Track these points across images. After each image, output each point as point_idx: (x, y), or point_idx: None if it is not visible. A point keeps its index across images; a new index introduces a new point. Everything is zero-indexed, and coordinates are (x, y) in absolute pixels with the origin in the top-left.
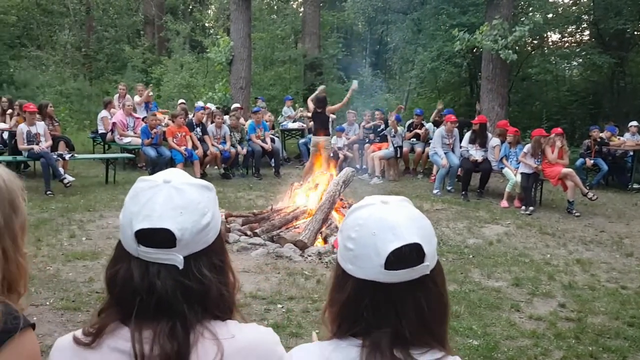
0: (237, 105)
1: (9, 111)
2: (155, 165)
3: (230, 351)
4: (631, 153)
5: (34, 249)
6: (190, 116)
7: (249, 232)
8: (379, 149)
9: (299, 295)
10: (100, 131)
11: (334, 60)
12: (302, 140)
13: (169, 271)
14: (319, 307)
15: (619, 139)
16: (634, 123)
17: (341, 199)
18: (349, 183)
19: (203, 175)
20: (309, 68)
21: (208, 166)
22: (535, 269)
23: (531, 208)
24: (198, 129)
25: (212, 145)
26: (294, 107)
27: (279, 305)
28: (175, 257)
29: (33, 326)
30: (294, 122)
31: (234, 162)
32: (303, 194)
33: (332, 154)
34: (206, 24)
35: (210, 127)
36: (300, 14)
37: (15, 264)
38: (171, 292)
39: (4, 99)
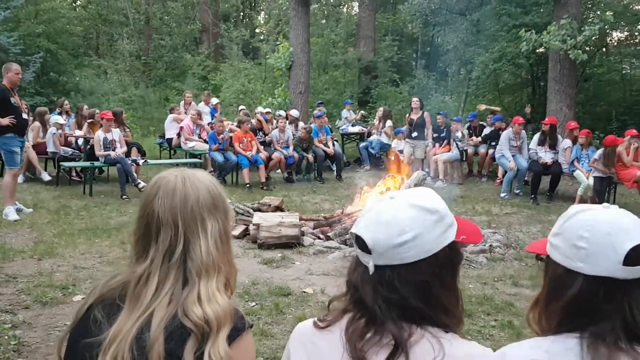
0: (296, 111)
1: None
2: (222, 170)
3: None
4: None
5: (120, 251)
6: (253, 122)
7: (321, 236)
8: (443, 151)
9: None
10: (167, 136)
11: (388, 63)
12: (362, 144)
13: (367, 272)
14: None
15: None
16: None
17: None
18: (420, 186)
19: (267, 179)
20: (364, 71)
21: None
22: None
23: None
24: (260, 134)
25: (276, 149)
26: (353, 111)
27: None
28: (368, 262)
29: (251, 326)
30: (353, 125)
31: (298, 167)
32: (373, 197)
33: (392, 157)
34: (257, 30)
35: (275, 132)
36: (355, 17)
37: (231, 263)
38: (369, 292)
39: (85, 107)
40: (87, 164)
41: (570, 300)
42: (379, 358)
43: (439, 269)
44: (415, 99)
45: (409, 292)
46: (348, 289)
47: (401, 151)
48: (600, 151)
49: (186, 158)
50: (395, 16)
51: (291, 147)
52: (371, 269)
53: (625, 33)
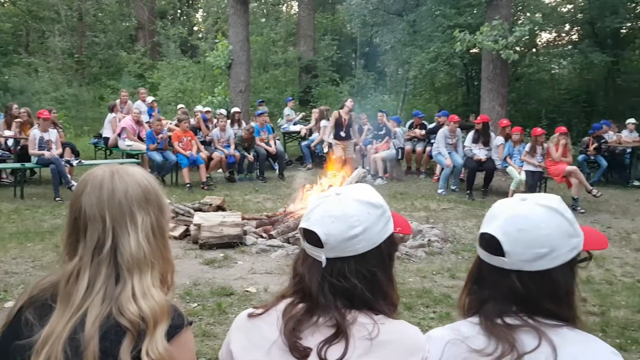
0: (236, 109)
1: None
2: (161, 170)
3: (383, 338)
4: (629, 150)
5: (54, 255)
6: (192, 121)
7: (264, 235)
8: (383, 149)
9: None
10: (104, 135)
11: (328, 62)
12: (304, 143)
13: (318, 265)
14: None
15: (616, 135)
16: (632, 120)
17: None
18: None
19: (208, 179)
20: (304, 71)
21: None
22: None
23: None
24: (200, 133)
25: (217, 149)
26: (295, 110)
27: None
28: (321, 255)
29: (191, 324)
30: (294, 124)
31: (239, 166)
32: (315, 195)
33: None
34: (195, 28)
35: (215, 131)
36: (295, 16)
37: (167, 259)
38: (315, 281)
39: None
40: (18, 165)
41: (474, 283)
42: (314, 339)
43: (382, 259)
44: (351, 100)
45: (357, 281)
46: (293, 278)
47: None
48: (529, 144)
49: (123, 158)
50: (334, 16)
51: (232, 146)
52: (324, 262)
53: (554, 34)
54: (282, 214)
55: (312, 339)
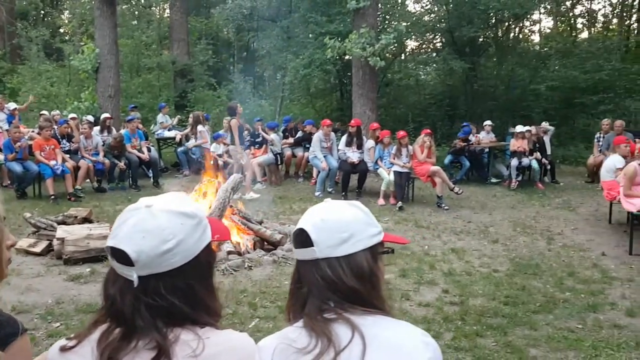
0: (107, 115)
1: None
2: (22, 182)
3: (209, 352)
4: (487, 150)
5: None
6: (56, 128)
7: None
8: (259, 155)
9: None
10: None
11: (204, 67)
12: (180, 149)
13: (130, 285)
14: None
15: (476, 137)
16: (488, 122)
17: (231, 206)
18: (237, 189)
19: (78, 190)
20: (179, 75)
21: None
22: (417, 259)
23: (400, 203)
24: (65, 141)
25: (84, 157)
26: (170, 115)
27: None
28: (132, 274)
29: (26, 331)
30: (169, 130)
31: (109, 175)
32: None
33: (212, 162)
34: (62, 30)
35: (81, 139)
36: (167, 20)
37: None
38: (128, 302)
39: None
40: None
41: (295, 286)
42: None
43: (201, 270)
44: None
45: (175, 297)
46: (105, 301)
47: (220, 155)
48: (395, 147)
49: None
50: (209, 20)
51: (101, 154)
52: (135, 281)
53: (420, 42)
54: None
55: None
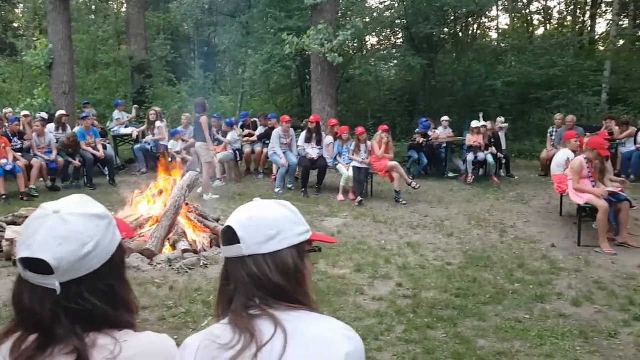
0: (62, 112)
1: None
2: None
3: (127, 354)
4: (444, 145)
5: None
6: (7, 125)
7: None
8: (218, 151)
9: (152, 304)
10: None
11: (163, 62)
12: (137, 146)
13: (51, 294)
14: (175, 314)
15: (434, 132)
16: (446, 118)
17: (187, 204)
18: (193, 187)
19: (31, 189)
20: (137, 70)
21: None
22: (373, 254)
23: (359, 198)
24: (16, 140)
25: (37, 155)
26: (127, 111)
27: None
28: (54, 283)
29: None
30: (125, 127)
31: (63, 173)
32: (146, 201)
33: (170, 159)
34: (15, 25)
35: (33, 137)
36: (124, 14)
37: None
38: (47, 311)
39: None
40: None
41: (223, 283)
42: None
43: (117, 270)
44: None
45: (97, 299)
46: (18, 314)
47: (178, 152)
48: (354, 143)
49: None
50: (168, 15)
51: (55, 152)
52: (58, 289)
53: (380, 38)
54: None
55: None
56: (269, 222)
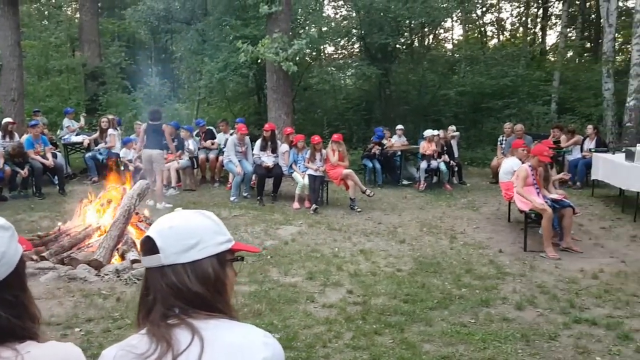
0: (9, 119)
1: None
2: None
3: None
4: (399, 153)
5: None
6: None
7: (35, 257)
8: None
9: (98, 316)
10: None
11: (117, 69)
12: (88, 154)
13: None
14: (120, 326)
15: (389, 140)
16: (400, 127)
17: (137, 213)
18: (144, 196)
19: None
20: (90, 77)
21: None
22: (325, 262)
23: (314, 206)
24: None
25: None
26: (76, 119)
27: (77, 329)
28: None
29: None
30: (76, 135)
31: (10, 182)
32: (94, 211)
33: (122, 167)
34: None
35: None
36: (77, 20)
37: None
38: None
39: None
40: None
41: (143, 294)
42: None
43: (20, 280)
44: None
45: (3, 310)
46: None
47: (130, 160)
48: (309, 151)
49: None
50: (122, 21)
51: (1, 161)
52: None
53: (338, 47)
54: (56, 232)
55: None
56: (188, 232)
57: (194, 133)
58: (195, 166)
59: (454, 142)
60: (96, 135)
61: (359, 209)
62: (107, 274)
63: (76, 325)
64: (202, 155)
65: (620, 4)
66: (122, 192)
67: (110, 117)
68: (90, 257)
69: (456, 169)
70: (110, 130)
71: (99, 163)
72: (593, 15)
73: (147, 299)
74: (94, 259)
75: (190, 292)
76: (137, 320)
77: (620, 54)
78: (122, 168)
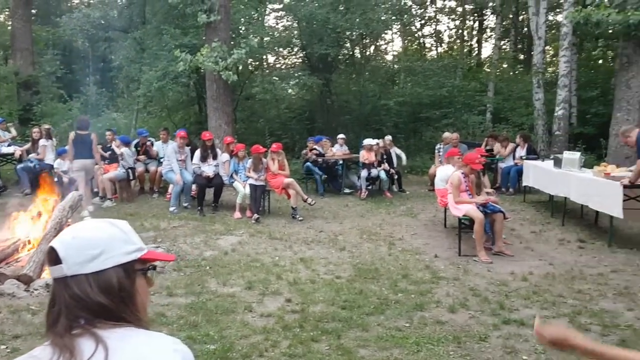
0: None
1: None
2: None
3: None
4: (341, 162)
5: None
6: None
7: None
8: (109, 170)
9: (25, 333)
10: None
11: (52, 78)
12: (20, 166)
13: None
14: None
15: (330, 150)
16: (341, 136)
17: (69, 225)
18: (76, 208)
19: None
20: (23, 86)
21: None
22: (265, 271)
23: (256, 216)
24: None
25: None
26: (7, 130)
27: (3, 347)
28: None
29: None
30: (8, 145)
31: None
32: (24, 224)
33: (56, 178)
34: None
35: None
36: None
37: None
38: None
39: None
40: None
41: (49, 304)
42: None
43: None
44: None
45: None
46: None
47: (65, 172)
48: (250, 161)
49: None
50: (56, 29)
51: None
52: None
53: (280, 57)
54: None
55: None
56: (92, 242)
57: (133, 143)
58: (132, 177)
59: (392, 151)
60: (28, 145)
61: (300, 218)
62: (37, 289)
63: (2, 343)
64: (140, 168)
65: (551, 17)
66: (53, 204)
67: (46, 127)
68: (19, 271)
69: (396, 177)
70: (42, 141)
71: (31, 174)
72: (525, 29)
73: (52, 310)
74: (23, 273)
75: (94, 303)
76: (46, 332)
77: (551, 65)
78: (56, 179)
